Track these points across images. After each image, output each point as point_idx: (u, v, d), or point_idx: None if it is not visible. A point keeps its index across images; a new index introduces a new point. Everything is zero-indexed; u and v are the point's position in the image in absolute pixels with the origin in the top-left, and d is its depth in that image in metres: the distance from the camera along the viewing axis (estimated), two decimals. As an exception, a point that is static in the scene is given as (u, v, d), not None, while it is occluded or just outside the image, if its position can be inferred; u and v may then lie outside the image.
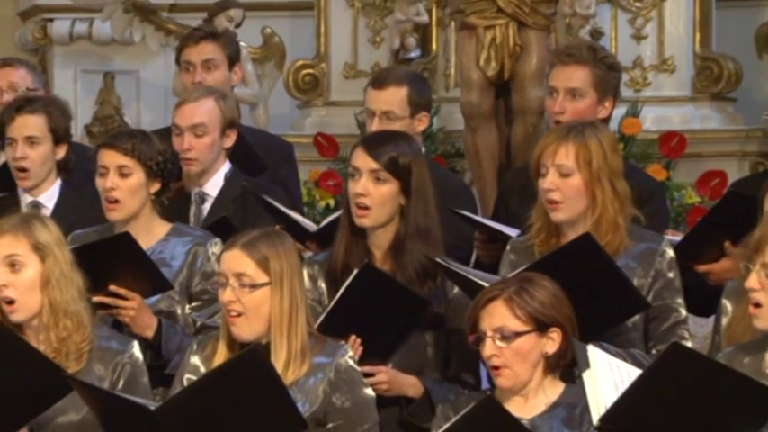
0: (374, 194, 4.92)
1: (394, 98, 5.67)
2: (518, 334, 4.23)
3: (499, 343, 4.23)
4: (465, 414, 4.06)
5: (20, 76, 6.44)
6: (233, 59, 6.40)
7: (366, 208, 4.91)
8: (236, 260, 4.41)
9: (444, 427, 4.10)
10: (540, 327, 4.26)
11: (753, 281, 4.13)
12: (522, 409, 4.28)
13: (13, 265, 4.50)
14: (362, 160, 4.93)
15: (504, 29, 7.05)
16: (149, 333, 5.01)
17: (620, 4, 8.17)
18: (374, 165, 4.91)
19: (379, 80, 5.76)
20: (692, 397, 3.97)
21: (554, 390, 4.32)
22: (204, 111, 5.68)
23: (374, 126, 5.55)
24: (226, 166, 5.78)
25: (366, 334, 4.82)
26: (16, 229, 4.53)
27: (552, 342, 4.28)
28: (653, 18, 8.18)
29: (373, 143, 4.99)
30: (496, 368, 4.24)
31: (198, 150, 5.67)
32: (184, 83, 6.36)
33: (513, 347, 4.23)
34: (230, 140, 5.75)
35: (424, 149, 5.84)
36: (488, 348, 4.23)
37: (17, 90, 6.32)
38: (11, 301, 4.48)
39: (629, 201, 4.91)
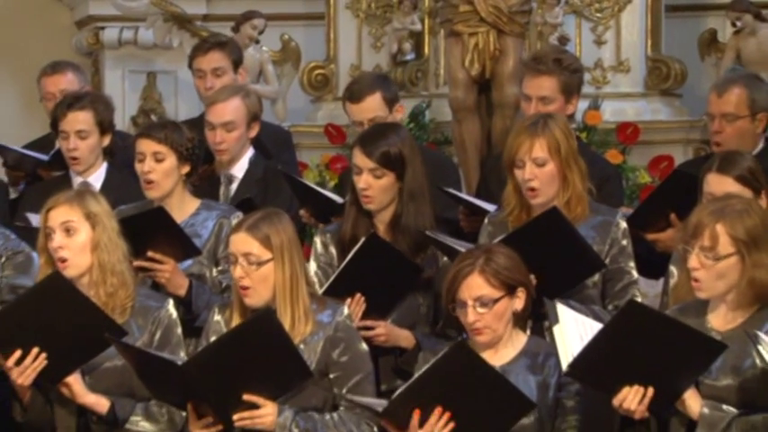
0: (375, 187, 4.95)
1: (373, 105, 5.68)
2: (495, 300, 4.23)
3: (480, 309, 4.22)
4: (439, 357, 4.06)
5: (67, 82, 6.44)
6: (237, 63, 6.44)
7: (369, 197, 4.94)
8: (243, 242, 4.39)
9: (422, 369, 4.10)
10: (510, 290, 4.26)
11: (693, 262, 4.10)
12: (493, 358, 4.27)
13: (68, 230, 4.51)
14: (361, 159, 4.96)
15: (485, 35, 7.04)
16: (182, 292, 5.01)
17: (584, 14, 8.14)
18: (371, 164, 4.95)
19: (354, 94, 5.74)
20: (647, 347, 3.97)
21: (519, 341, 4.32)
22: (232, 109, 5.69)
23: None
24: (250, 152, 5.80)
25: (368, 293, 4.83)
26: (72, 200, 4.55)
27: (519, 300, 4.28)
28: (611, 26, 8.15)
29: (367, 142, 5.00)
30: (478, 329, 4.23)
31: (228, 143, 5.69)
32: (198, 87, 6.39)
33: (492, 312, 4.23)
34: (254, 131, 5.78)
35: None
36: (471, 315, 4.23)
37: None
38: (64, 260, 4.48)
39: (586, 175, 4.91)
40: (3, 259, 5.09)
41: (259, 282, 4.36)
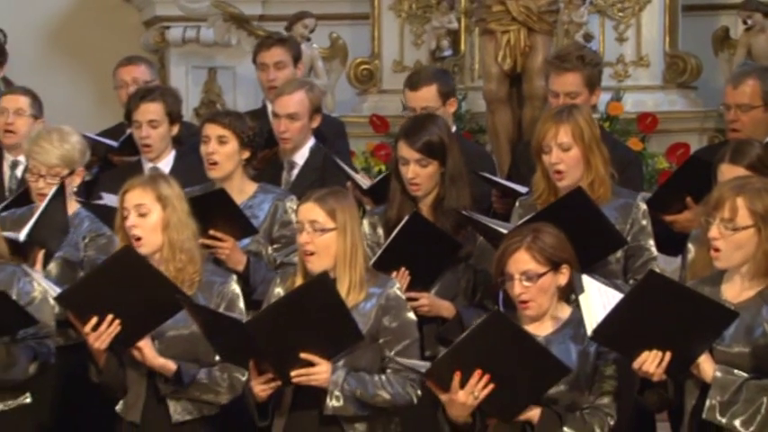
0: (422, 175, 4.97)
1: (428, 95, 5.70)
2: (540, 275, 4.19)
3: (526, 283, 4.19)
4: (478, 324, 4.06)
5: (140, 72, 6.46)
6: (296, 58, 6.47)
7: (417, 184, 4.96)
8: (311, 210, 4.38)
9: (460, 337, 4.10)
10: (554, 266, 4.21)
11: (714, 232, 4.08)
12: (539, 329, 4.25)
13: (141, 211, 4.53)
14: (407, 151, 4.97)
15: (516, 33, 7.05)
16: (240, 267, 5.03)
17: (607, 13, 8.12)
18: (417, 155, 4.96)
19: (413, 83, 5.78)
20: (665, 314, 3.95)
21: (564, 313, 4.27)
22: (297, 101, 5.70)
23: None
24: (311, 141, 5.81)
25: (413, 267, 4.84)
26: (145, 183, 4.58)
27: (563, 276, 4.24)
28: (632, 24, 8.12)
29: (411, 134, 5.00)
30: (525, 302, 4.20)
31: (291, 132, 5.70)
32: (260, 80, 6.42)
33: (537, 285, 4.19)
34: (316, 122, 5.79)
35: (455, 128, 5.83)
36: (517, 288, 4.19)
37: (138, 83, 6.34)
38: (138, 238, 4.51)
39: (609, 160, 4.91)
40: (86, 240, 5.14)
41: (322, 248, 4.34)
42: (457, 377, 4.03)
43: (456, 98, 5.87)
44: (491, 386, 4.04)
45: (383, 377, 4.34)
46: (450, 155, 4.97)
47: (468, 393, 4.03)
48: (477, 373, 4.03)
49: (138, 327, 4.40)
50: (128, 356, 4.48)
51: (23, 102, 5.96)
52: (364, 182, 5.59)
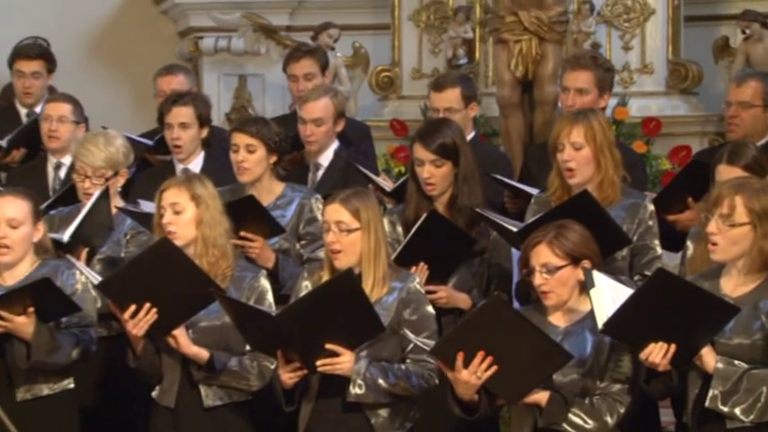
0: (436, 175, 4.95)
1: (452, 97, 5.69)
2: (558, 268, 4.18)
3: (545, 275, 4.18)
4: (479, 307, 4.08)
5: (178, 83, 6.44)
6: (324, 68, 6.46)
7: (433, 184, 4.94)
8: (336, 211, 4.38)
9: (456, 325, 4.11)
10: (574, 260, 4.20)
11: (712, 227, 4.08)
12: (561, 320, 4.24)
13: (176, 209, 4.54)
14: (422, 152, 4.96)
15: (528, 42, 7.02)
16: (270, 264, 5.03)
17: (613, 24, 8.10)
18: (431, 156, 4.95)
19: (439, 85, 5.78)
20: (671, 309, 3.95)
21: (584, 305, 4.23)
22: (321, 107, 5.69)
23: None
24: (335, 144, 5.80)
25: (431, 262, 4.83)
26: (180, 183, 4.59)
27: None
28: (637, 34, 8.10)
29: (426, 137, 4.99)
30: (545, 293, 4.19)
31: (316, 136, 5.69)
32: (291, 89, 6.42)
33: (555, 277, 4.18)
34: (340, 126, 5.79)
35: (474, 133, 5.83)
36: (538, 279, 4.19)
37: None
38: (172, 234, 4.51)
39: (620, 164, 4.89)
40: (128, 237, 5.16)
41: (348, 246, 4.34)
42: (460, 357, 4.02)
43: (477, 103, 5.85)
44: (494, 368, 4.02)
45: (403, 367, 4.33)
46: (462, 156, 4.96)
47: (472, 373, 4.03)
48: (480, 354, 4.02)
49: (173, 316, 4.40)
50: (163, 344, 4.48)
51: (66, 109, 5.96)
52: (386, 185, 5.58)
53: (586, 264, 4.20)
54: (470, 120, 5.77)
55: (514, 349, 4.01)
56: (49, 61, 6.79)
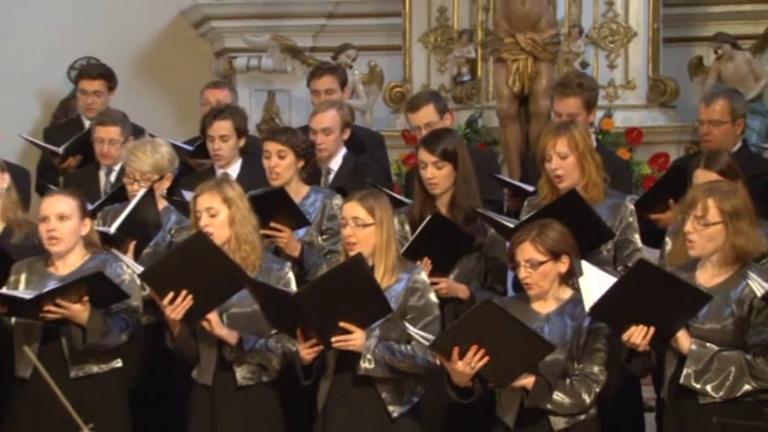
0: (438, 176, 4.92)
1: (427, 113, 5.66)
2: (541, 263, 4.18)
3: (529, 269, 4.19)
4: (472, 309, 4.06)
5: (223, 95, 6.45)
6: (343, 84, 6.45)
7: (435, 184, 4.92)
8: (354, 208, 4.38)
9: (452, 324, 4.10)
10: (555, 256, 4.20)
11: (689, 227, 4.08)
12: (543, 307, 4.25)
13: (210, 212, 4.53)
14: (425, 155, 4.95)
15: (524, 61, 7.02)
16: (296, 254, 5.01)
17: (600, 45, 8.05)
18: (433, 158, 4.92)
19: (413, 106, 5.76)
20: (651, 296, 3.94)
21: (565, 294, 4.25)
22: (329, 118, 5.68)
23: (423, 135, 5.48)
24: (343, 150, 5.78)
25: (434, 257, 4.81)
26: (212, 188, 4.57)
27: (563, 264, 4.22)
28: (621, 54, 8.07)
29: (430, 142, 4.99)
30: (528, 284, 4.20)
31: (326, 144, 5.67)
32: (314, 103, 6.40)
33: (539, 271, 4.19)
34: (346, 134, 5.77)
35: (466, 141, 5.83)
36: (523, 273, 4.20)
37: (220, 104, 6.30)
38: (210, 234, 4.49)
39: (602, 167, 4.88)
40: (173, 231, 5.17)
41: (363, 239, 4.34)
42: (455, 351, 4.02)
43: (452, 113, 5.83)
44: (486, 359, 4.02)
45: (408, 347, 4.32)
46: (461, 160, 4.95)
47: (466, 364, 4.02)
48: (473, 347, 4.01)
49: (207, 301, 4.39)
50: (199, 328, 4.47)
51: (114, 132, 5.92)
52: (393, 194, 5.54)
53: (565, 260, 4.19)
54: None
55: (503, 343, 4.01)
56: (110, 80, 6.82)
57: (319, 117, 5.69)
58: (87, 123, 6.65)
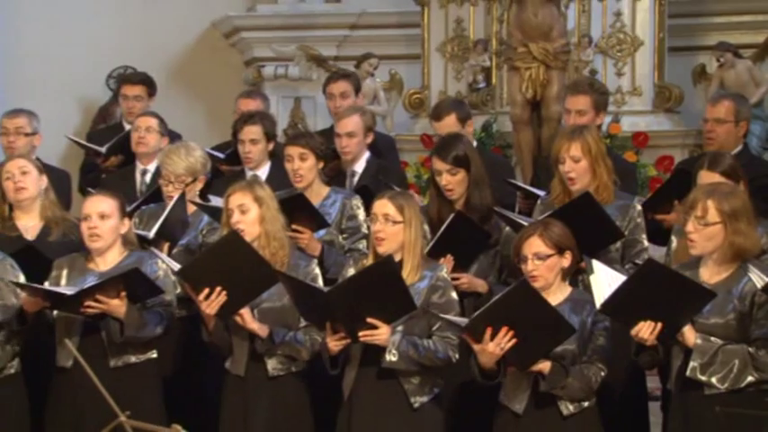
0: (453, 182, 4.91)
1: (449, 123, 5.61)
2: (548, 256, 4.18)
3: (536, 262, 4.18)
4: (507, 291, 4.04)
5: (255, 105, 6.44)
6: (357, 89, 6.43)
7: (451, 190, 4.91)
8: (384, 206, 4.36)
9: (490, 302, 4.09)
10: (560, 251, 4.20)
11: (690, 227, 4.06)
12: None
13: (242, 210, 4.52)
14: (439, 164, 4.93)
15: (537, 69, 6.99)
16: (316, 253, 4.98)
17: (608, 54, 8.07)
18: (447, 166, 4.90)
19: (436, 114, 5.70)
20: (659, 293, 3.92)
21: (566, 290, 4.25)
22: (353, 123, 5.66)
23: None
24: (367, 154, 5.75)
25: (455, 254, 4.78)
26: (244, 188, 4.57)
27: (566, 260, 4.22)
28: (628, 62, 8.07)
29: (442, 151, 4.95)
30: (534, 277, 4.18)
31: (350, 147, 5.65)
32: (329, 106, 6.40)
33: (545, 264, 4.18)
34: (369, 139, 5.74)
35: (476, 143, 5.80)
36: (530, 266, 4.19)
37: None
38: (241, 231, 4.49)
39: (612, 171, 4.86)
40: (205, 231, 5.16)
41: (391, 236, 4.32)
42: (488, 332, 4.02)
43: (472, 120, 5.80)
44: (514, 340, 4.01)
45: (430, 342, 4.32)
46: (473, 164, 4.93)
47: (496, 345, 4.02)
48: (504, 329, 4.01)
49: (239, 297, 4.39)
50: (232, 322, 4.46)
51: (152, 122, 6.00)
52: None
53: (568, 255, 4.19)
54: (470, 135, 5.73)
55: (531, 324, 4.00)
56: (150, 87, 6.89)
57: (344, 122, 5.68)
58: (128, 127, 6.70)
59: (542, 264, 4.17)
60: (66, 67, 8.79)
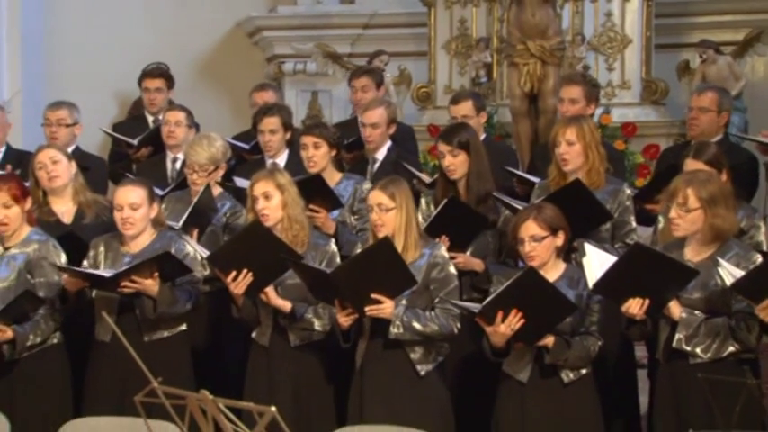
0: (455, 162, 4.88)
1: (466, 108, 5.64)
2: (543, 237, 4.15)
3: (533, 243, 4.14)
4: (517, 277, 4.01)
5: (269, 97, 6.44)
6: (379, 84, 6.40)
7: (453, 170, 4.88)
8: (377, 196, 4.34)
9: (504, 285, 4.05)
10: (553, 231, 4.17)
11: (673, 213, 4.05)
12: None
13: (266, 196, 4.50)
14: (443, 146, 4.91)
15: (534, 65, 6.92)
16: (331, 231, 4.98)
17: (600, 50, 8.02)
18: (449, 147, 4.87)
19: (455, 99, 5.77)
20: (646, 272, 3.89)
21: (561, 267, 4.22)
22: (378, 114, 5.63)
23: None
24: (389, 143, 5.72)
25: (451, 234, 4.75)
26: (267, 176, 4.55)
27: (560, 239, 4.19)
28: (618, 58, 8.02)
29: (446, 135, 4.94)
30: (532, 257, 4.15)
31: (374, 137, 5.64)
32: (351, 99, 6.37)
33: (542, 245, 4.14)
34: (392, 130, 5.73)
35: (485, 135, 5.77)
36: (527, 247, 4.15)
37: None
38: (266, 216, 4.48)
39: (605, 158, 4.84)
40: (228, 215, 5.15)
41: (387, 222, 4.30)
42: (500, 315, 4.00)
43: (486, 112, 5.80)
44: (522, 321, 3.99)
45: (432, 313, 4.30)
46: (473, 149, 4.89)
47: (507, 326, 4.00)
48: (514, 311, 3.99)
49: (264, 277, 4.39)
50: (258, 299, 4.46)
51: (181, 116, 5.97)
52: (426, 178, 5.52)
53: (561, 235, 4.16)
54: (482, 125, 5.72)
55: (538, 305, 3.98)
56: (168, 80, 6.90)
57: (369, 113, 5.65)
58: (150, 119, 6.71)
59: (538, 245, 4.14)
60: (104, 64, 8.79)
